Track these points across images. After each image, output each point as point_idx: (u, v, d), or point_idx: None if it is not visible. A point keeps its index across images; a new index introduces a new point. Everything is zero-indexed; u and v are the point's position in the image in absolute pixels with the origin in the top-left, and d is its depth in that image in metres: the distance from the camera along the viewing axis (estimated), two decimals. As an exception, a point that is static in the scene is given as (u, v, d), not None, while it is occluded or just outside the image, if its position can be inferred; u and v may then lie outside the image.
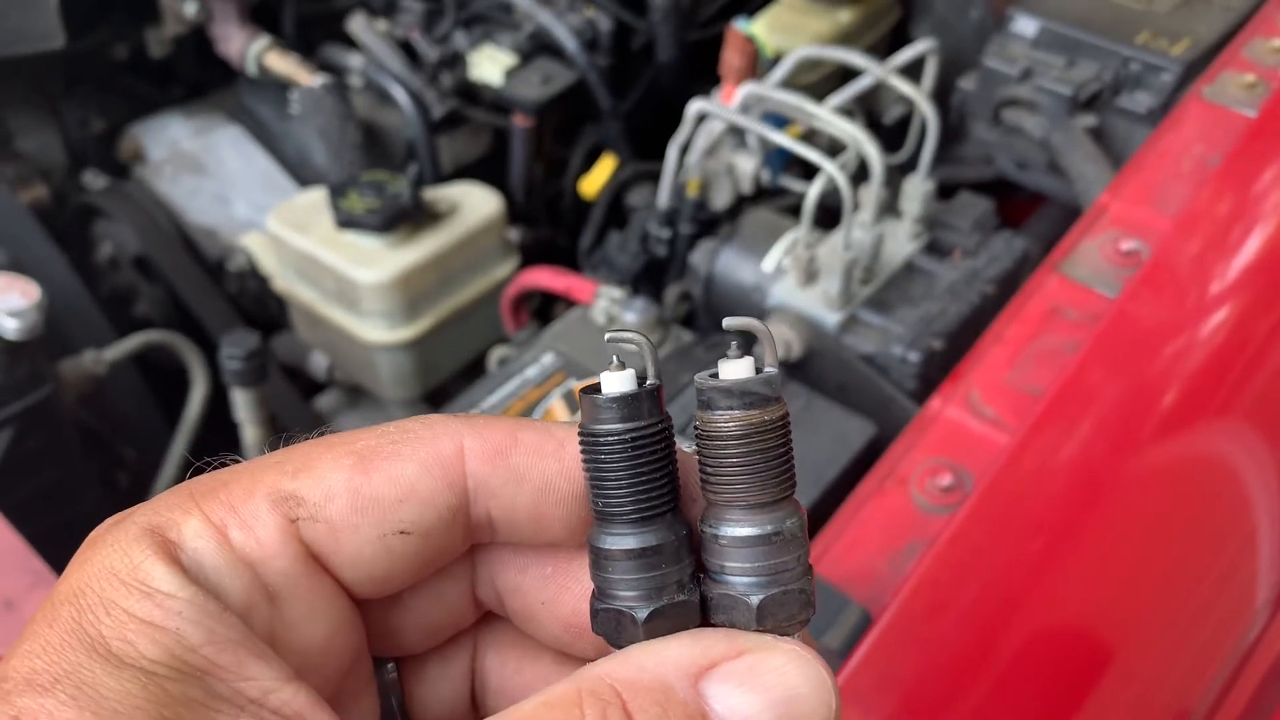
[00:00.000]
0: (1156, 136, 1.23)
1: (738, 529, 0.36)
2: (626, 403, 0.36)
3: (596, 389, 0.37)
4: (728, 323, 0.36)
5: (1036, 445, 0.96)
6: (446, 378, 1.58)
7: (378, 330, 1.45)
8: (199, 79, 1.84)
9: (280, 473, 0.37)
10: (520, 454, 0.38)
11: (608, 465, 0.36)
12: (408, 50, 1.71)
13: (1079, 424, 0.98)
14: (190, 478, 0.38)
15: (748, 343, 1.14)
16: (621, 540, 0.36)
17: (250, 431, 1.33)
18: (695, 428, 0.36)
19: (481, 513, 0.38)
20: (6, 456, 1.15)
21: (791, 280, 1.30)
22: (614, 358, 0.37)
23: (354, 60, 1.70)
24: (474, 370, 1.58)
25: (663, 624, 0.36)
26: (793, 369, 1.28)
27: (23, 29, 1.52)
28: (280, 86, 1.72)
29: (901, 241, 1.35)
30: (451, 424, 0.38)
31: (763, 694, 0.34)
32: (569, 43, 1.67)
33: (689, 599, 0.36)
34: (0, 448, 1.15)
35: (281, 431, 1.39)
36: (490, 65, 1.67)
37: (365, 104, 1.72)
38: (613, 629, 0.37)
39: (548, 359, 1.24)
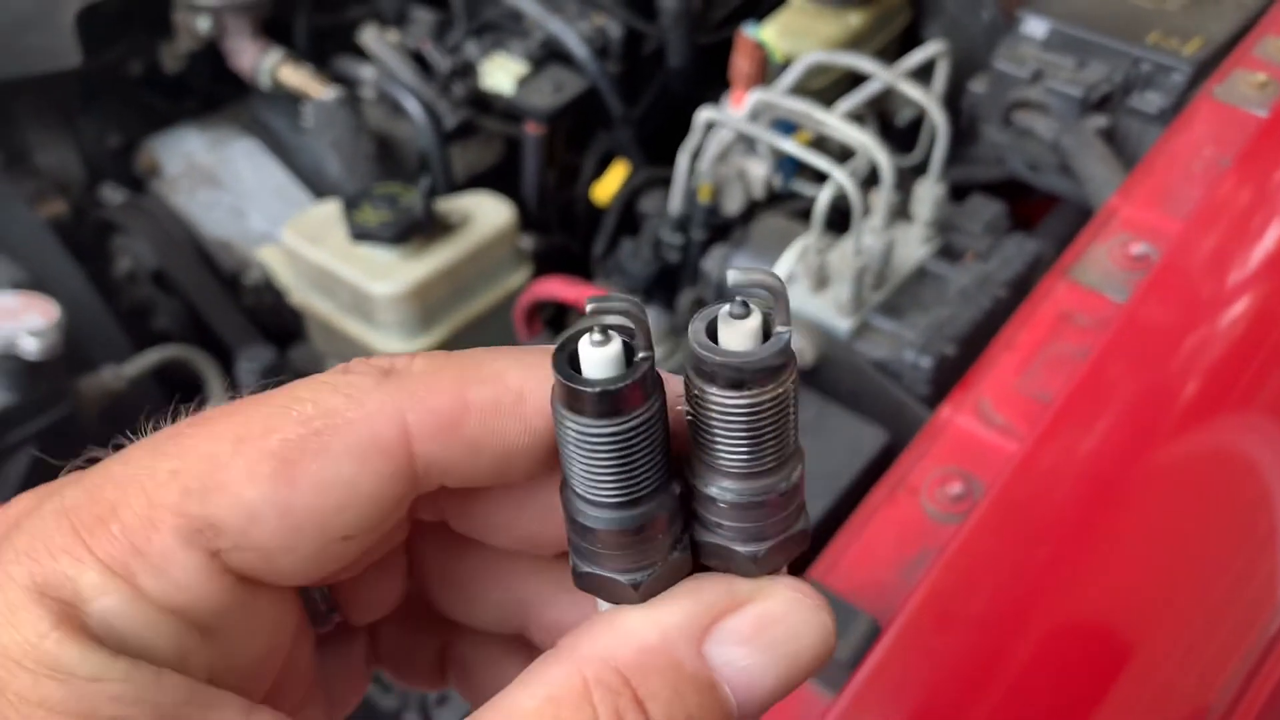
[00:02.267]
0: (1166, 138, 1.22)
1: (737, 495, 0.32)
2: (615, 395, 0.30)
3: (574, 358, 0.31)
4: (733, 277, 0.30)
5: (1047, 452, 0.96)
6: (462, 387, 1.59)
7: (393, 341, 1.46)
8: (213, 93, 1.86)
9: (182, 490, 0.30)
10: (474, 421, 0.33)
11: (593, 458, 0.31)
12: (419, 61, 1.72)
13: (1089, 430, 0.98)
14: (47, 488, 0.33)
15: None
16: (610, 521, 0.32)
17: (268, 444, 1.35)
18: (688, 388, 0.31)
19: (432, 485, 0.34)
20: (29, 476, 1.17)
21: (803, 286, 1.31)
22: (595, 328, 0.30)
23: (366, 72, 1.72)
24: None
25: (656, 585, 0.33)
26: (805, 376, 1.28)
27: (39, 48, 1.54)
28: (293, 99, 1.74)
29: (913, 246, 1.35)
30: (383, 399, 0.32)
31: (769, 651, 0.33)
32: (580, 50, 1.68)
33: (683, 555, 0.34)
34: (22, 467, 1.16)
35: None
36: (502, 74, 1.67)
37: (378, 115, 1.73)
38: (602, 593, 0.34)
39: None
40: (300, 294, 1.54)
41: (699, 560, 0.34)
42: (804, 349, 1.26)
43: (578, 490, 0.32)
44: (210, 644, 0.31)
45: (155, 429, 0.34)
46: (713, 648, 0.32)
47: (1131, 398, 1.01)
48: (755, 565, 0.33)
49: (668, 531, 0.33)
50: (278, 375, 1.25)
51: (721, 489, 0.32)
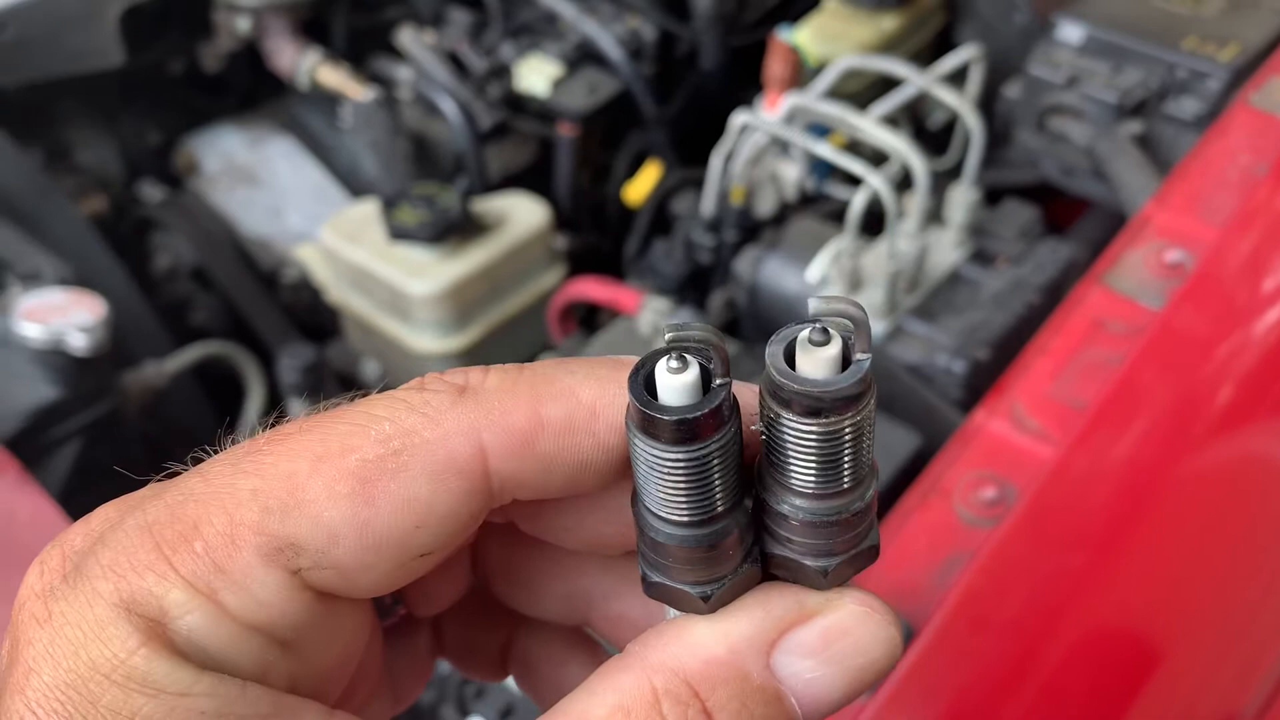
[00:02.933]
0: (1202, 145, 1.22)
1: (811, 515, 0.32)
2: (692, 423, 0.30)
3: (650, 381, 0.31)
4: (814, 305, 0.30)
5: (1080, 458, 0.97)
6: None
7: (429, 340, 1.48)
8: (251, 92, 1.88)
9: (262, 509, 0.31)
10: (548, 438, 0.33)
11: (667, 481, 0.31)
12: (455, 62, 1.74)
13: (1123, 437, 0.99)
14: (129, 503, 0.33)
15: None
16: (683, 539, 0.32)
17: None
18: (763, 409, 0.31)
19: (506, 499, 0.34)
20: (75, 468, 1.19)
21: (836, 290, 1.32)
22: (673, 354, 0.30)
23: (403, 72, 1.73)
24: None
25: (726, 596, 0.33)
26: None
27: (83, 48, 1.57)
28: (331, 99, 1.76)
29: (946, 250, 1.35)
30: (460, 418, 0.32)
31: (837, 664, 0.33)
32: (614, 52, 1.69)
33: (753, 567, 0.34)
34: (69, 460, 1.19)
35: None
36: (536, 76, 1.69)
37: (414, 116, 1.74)
38: (672, 602, 0.34)
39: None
40: (337, 292, 1.56)
41: (768, 571, 0.35)
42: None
43: (650, 508, 0.32)
44: (290, 656, 0.32)
45: (233, 443, 0.35)
46: (780, 659, 0.33)
47: (1165, 405, 1.01)
48: (825, 579, 0.33)
49: (738, 548, 0.33)
50: (318, 373, 1.27)
51: (794, 507, 0.32)
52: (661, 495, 0.32)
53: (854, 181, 1.35)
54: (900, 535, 0.95)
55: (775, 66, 1.50)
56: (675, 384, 0.30)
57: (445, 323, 1.47)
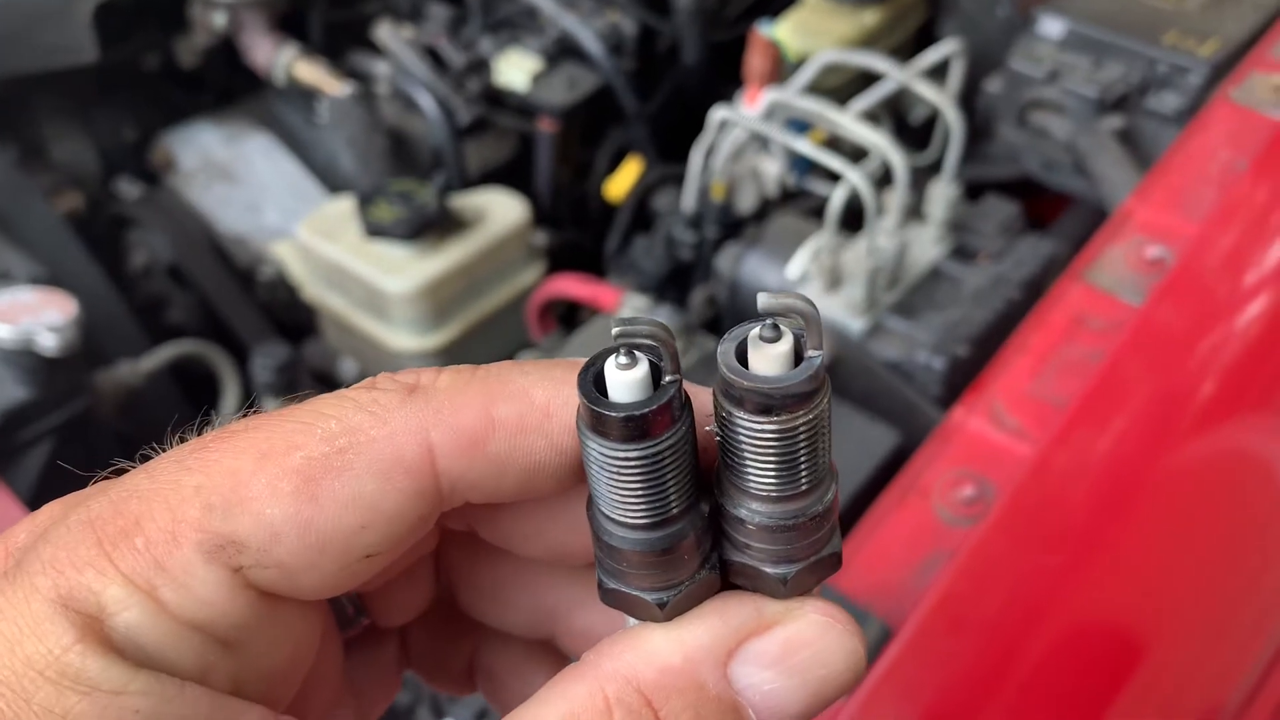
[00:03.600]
0: (1183, 140, 1.22)
1: (768, 519, 0.32)
2: (641, 419, 0.30)
3: (599, 379, 0.30)
4: (764, 303, 0.29)
5: (1060, 456, 0.96)
6: (474, 383, 1.60)
7: (406, 338, 1.47)
8: (228, 88, 1.87)
9: (204, 506, 0.30)
10: (500, 439, 0.32)
11: (619, 481, 0.31)
12: (434, 57, 1.72)
13: (1103, 434, 0.98)
14: (71, 500, 0.32)
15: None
16: (636, 542, 0.32)
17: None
18: (716, 410, 0.31)
19: (458, 502, 0.34)
20: (46, 469, 1.18)
21: (816, 286, 1.31)
22: (621, 350, 0.30)
23: (380, 67, 1.72)
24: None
25: (684, 604, 0.33)
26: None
27: (57, 44, 1.55)
28: (308, 95, 1.74)
29: (926, 246, 1.35)
30: (409, 417, 0.32)
31: (798, 675, 0.32)
32: (594, 47, 1.68)
33: (712, 570, 0.33)
34: (40, 460, 1.17)
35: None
36: (516, 70, 1.68)
37: (392, 111, 1.73)
38: (628, 609, 0.33)
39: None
40: (314, 290, 1.55)
41: (727, 579, 0.34)
42: (817, 349, 1.26)
43: (604, 510, 0.32)
44: (233, 656, 0.31)
45: (181, 441, 0.34)
46: (738, 669, 0.32)
47: (1145, 402, 1.00)
48: (784, 587, 0.32)
49: (695, 552, 0.32)
50: (292, 371, 1.25)
51: (751, 511, 0.32)
52: (614, 496, 0.31)
53: (836, 177, 1.34)
54: (879, 534, 0.94)
55: (755, 61, 1.49)
56: (624, 380, 0.30)
57: (422, 320, 1.45)
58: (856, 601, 0.87)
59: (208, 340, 1.53)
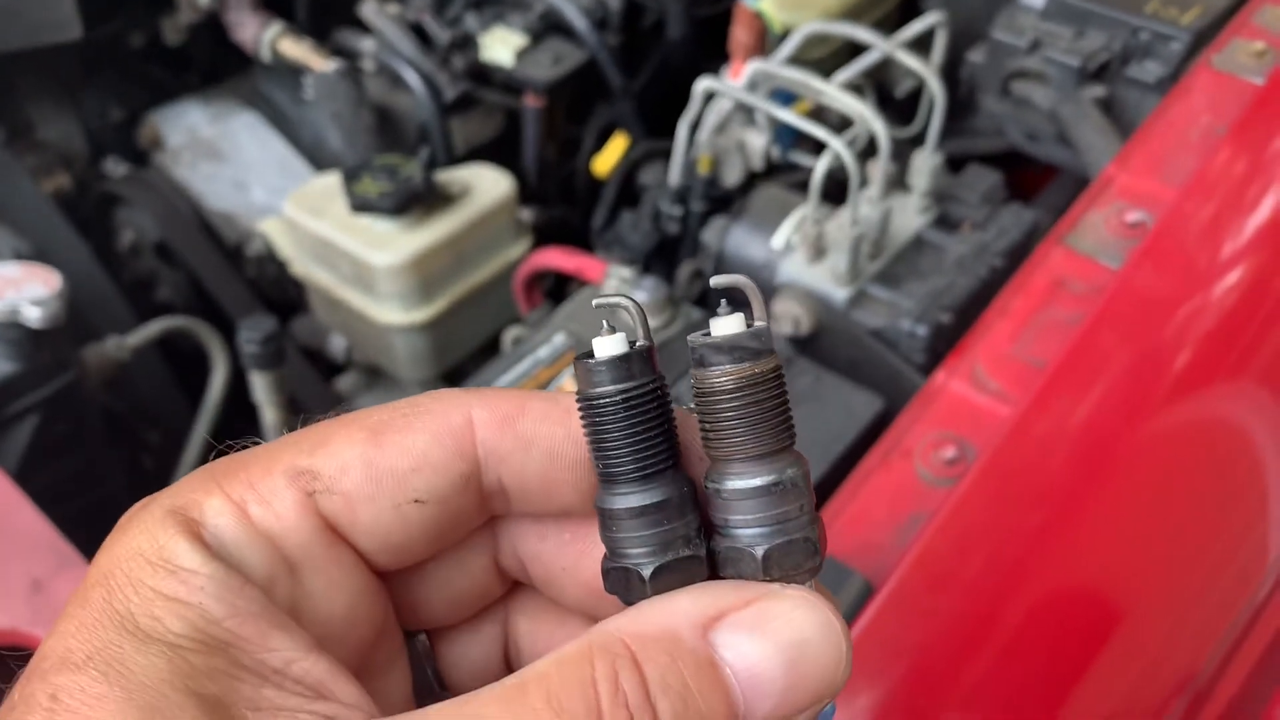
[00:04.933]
0: (1164, 107, 1.22)
1: (738, 481, 0.36)
2: (618, 364, 0.36)
3: (590, 355, 0.37)
4: (714, 281, 0.37)
5: (1039, 417, 0.97)
6: (462, 358, 1.60)
7: (394, 312, 1.47)
8: (214, 65, 1.86)
9: (297, 450, 0.38)
10: (528, 420, 0.39)
11: (605, 426, 0.37)
12: (419, 33, 1.72)
13: (1082, 395, 0.99)
14: (212, 460, 0.39)
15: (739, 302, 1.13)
16: (624, 499, 0.37)
17: (269, 413, 1.36)
18: (692, 386, 0.37)
19: (493, 479, 0.39)
20: (33, 442, 1.18)
21: (800, 256, 1.31)
22: (604, 323, 0.37)
23: (366, 44, 1.72)
24: (489, 350, 1.60)
25: (670, 579, 0.36)
26: (801, 344, 1.29)
27: (40, 21, 1.55)
28: (294, 72, 1.74)
29: (910, 216, 1.35)
30: (461, 397, 0.39)
31: (771, 639, 0.34)
32: (579, 22, 1.68)
33: (695, 554, 0.37)
34: (27, 434, 1.18)
35: (300, 413, 1.41)
36: (501, 46, 1.68)
37: (378, 88, 1.73)
38: (623, 587, 0.37)
39: (559, 339, 1.25)
40: (301, 266, 1.55)
41: (714, 573, 0.37)
42: (801, 317, 1.27)
43: (600, 472, 0.37)
44: (294, 581, 0.37)
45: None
46: (717, 634, 0.34)
47: (1124, 364, 1.01)
48: (763, 567, 0.36)
49: (679, 520, 0.37)
50: (277, 343, 1.26)
51: (726, 479, 0.36)
52: (601, 449, 0.37)
53: (820, 151, 1.35)
54: (861, 494, 0.95)
55: (740, 33, 1.49)
56: (606, 345, 0.37)
57: (409, 294, 1.46)
58: (839, 558, 0.88)
59: (196, 317, 1.53)
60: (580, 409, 0.37)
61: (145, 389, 1.51)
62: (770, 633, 0.34)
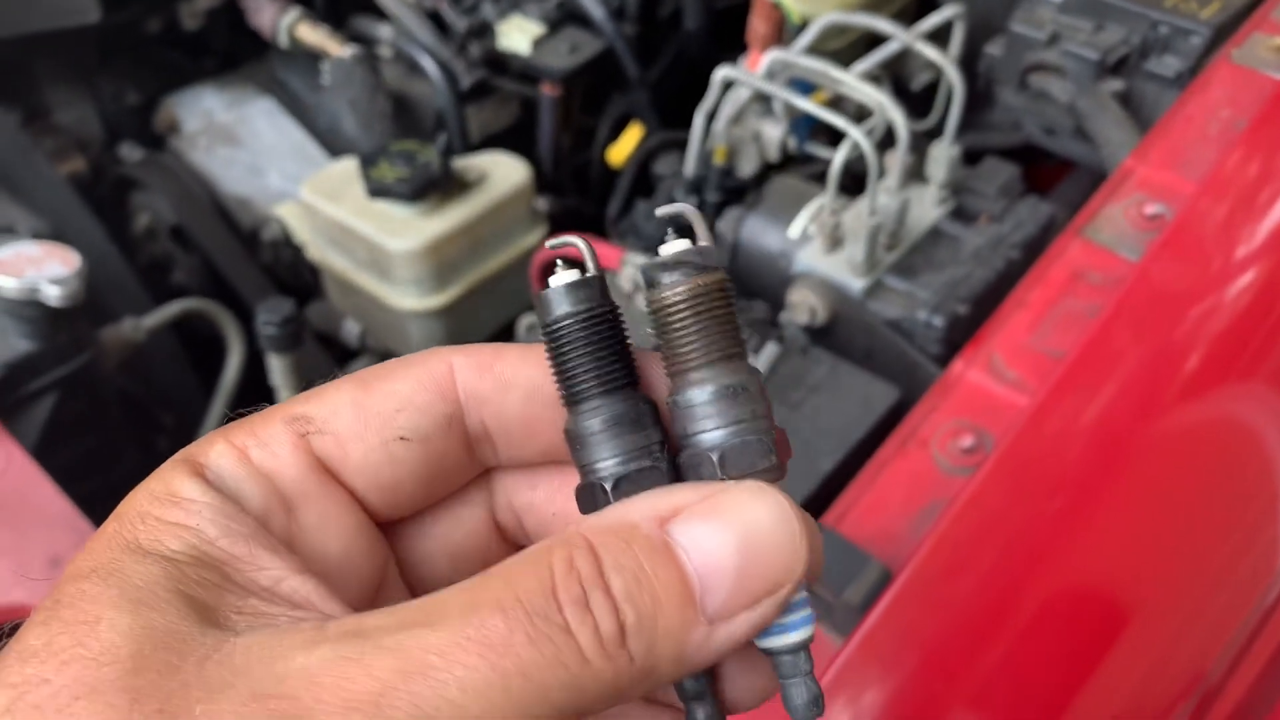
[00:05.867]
0: (1183, 100, 1.22)
1: (692, 390, 0.38)
2: (569, 290, 0.39)
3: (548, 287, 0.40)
4: (659, 211, 0.40)
5: (1057, 407, 0.97)
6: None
7: (409, 298, 1.48)
8: (231, 51, 1.87)
9: (294, 402, 0.41)
10: (504, 365, 0.41)
11: (563, 347, 0.39)
12: (436, 21, 1.73)
13: (1100, 386, 0.99)
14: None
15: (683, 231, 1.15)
16: (585, 418, 0.38)
17: (285, 396, 1.36)
18: (648, 309, 0.39)
19: (476, 422, 0.41)
20: (51, 421, 1.18)
21: (817, 246, 1.31)
22: (557, 263, 0.40)
23: (383, 31, 1.72)
24: (503, 337, 1.60)
25: (631, 489, 0.38)
26: (818, 334, 1.29)
27: (59, 4, 1.55)
28: (311, 58, 1.74)
29: (927, 207, 1.35)
30: (443, 350, 0.41)
31: (723, 523, 0.35)
32: (596, 11, 1.68)
33: (655, 465, 0.38)
34: (45, 412, 1.18)
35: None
36: (518, 35, 1.68)
37: (395, 74, 1.73)
38: (589, 502, 0.39)
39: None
40: (318, 250, 1.56)
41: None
42: (817, 307, 1.27)
43: (564, 398, 0.40)
44: (291, 518, 0.39)
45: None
46: (673, 525, 0.35)
47: (1142, 355, 1.01)
48: (720, 467, 0.37)
49: (639, 433, 0.38)
50: (296, 324, 1.26)
51: (682, 391, 0.38)
52: (559, 371, 0.39)
53: (836, 142, 1.34)
54: (879, 481, 0.95)
55: (758, 23, 1.49)
56: (560, 279, 0.39)
57: (425, 280, 1.46)
58: (857, 544, 0.88)
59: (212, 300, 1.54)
60: (543, 338, 0.40)
61: (160, 371, 1.51)
62: (723, 520, 0.35)
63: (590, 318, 0.39)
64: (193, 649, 0.32)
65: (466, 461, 0.42)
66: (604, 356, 0.39)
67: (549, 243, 0.40)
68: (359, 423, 0.40)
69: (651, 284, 0.39)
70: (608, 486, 0.38)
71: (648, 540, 0.34)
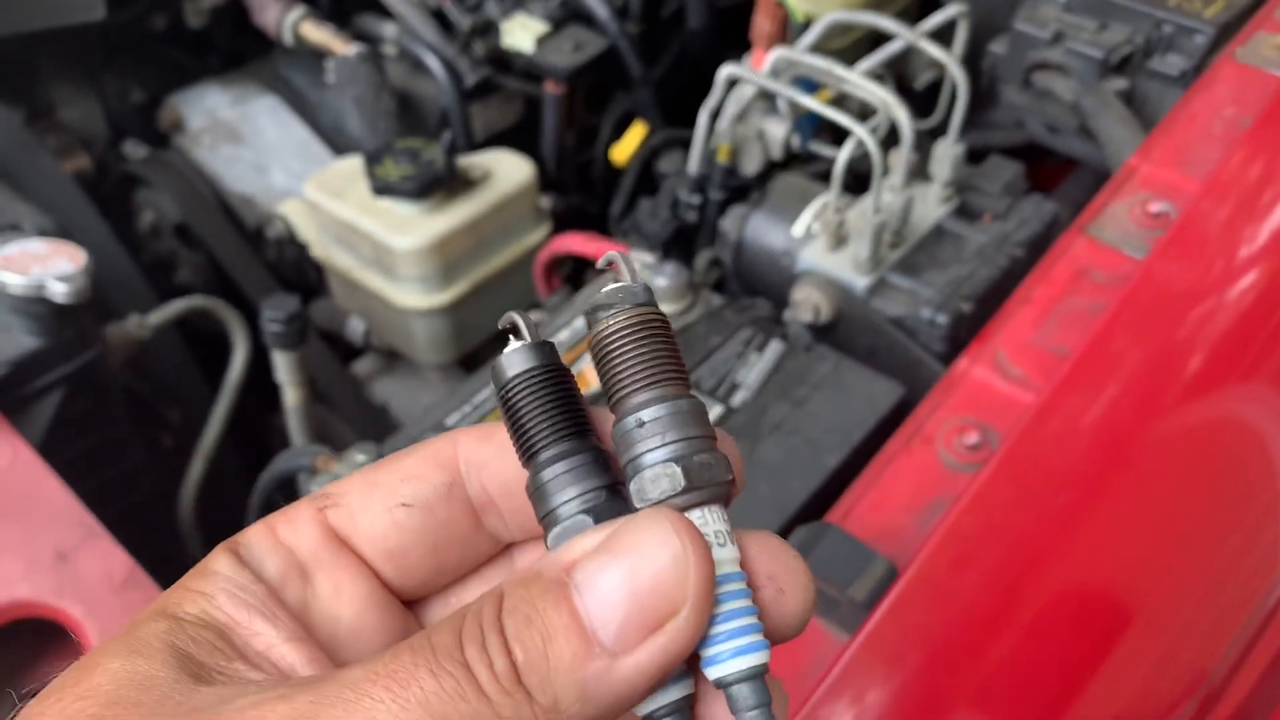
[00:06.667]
0: (1187, 99, 1.22)
1: (621, 422, 0.39)
2: (517, 358, 0.41)
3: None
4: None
5: (1062, 404, 0.97)
6: (481, 342, 1.61)
7: (413, 295, 1.48)
8: (236, 49, 1.87)
9: (322, 490, 0.45)
10: (504, 433, 0.43)
11: (512, 408, 0.41)
12: (440, 19, 1.73)
13: (1104, 384, 0.99)
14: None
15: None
16: (533, 472, 0.40)
17: (291, 393, 1.37)
18: (590, 348, 0.41)
19: (476, 487, 0.43)
20: (57, 417, 1.19)
21: (821, 245, 1.32)
22: (509, 338, 0.42)
23: (388, 29, 1.72)
24: (508, 335, 1.60)
25: (561, 537, 0.39)
26: (822, 332, 1.29)
27: (63, 1, 1.55)
28: (316, 56, 1.75)
29: (931, 205, 1.36)
30: (454, 431, 0.44)
31: (612, 556, 0.36)
32: (600, 10, 1.68)
33: (587, 511, 0.39)
34: (51, 409, 1.18)
35: (320, 396, 1.41)
36: (522, 33, 1.68)
37: (399, 72, 1.73)
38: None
39: (578, 323, 1.26)
40: (322, 248, 1.56)
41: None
42: (821, 305, 1.27)
43: (521, 458, 0.41)
44: (306, 585, 0.42)
45: None
46: (575, 569, 0.36)
47: (1146, 353, 1.01)
48: (639, 499, 0.38)
49: (579, 482, 0.40)
50: (300, 322, 1.26)
51: (615, 424, 0.40)
52: (513, 425, 0.41)
53: (839, 140, 1.35)
54: (884, 478, 0.95)
55: (763, 22, 1.49)
56: (507, 350, 0.42)
57: (430, 278, 1.46)
58: (862, 541, 0.88)
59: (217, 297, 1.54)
60: (500, 405, 0.42)
61: (165, 369, 1.51)
62: (613, 554, 0.36)
63: (532, 378, 0.41)
64: (164, 692, 0.35)
65: (473, 530, 0.44)
66: (546, 410, 0.41)
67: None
68: (365, 495, 0.43)
69: (589, 325, 0.41)
70: (548, 540, 0.40)
71: (545, 583, 0.36)
